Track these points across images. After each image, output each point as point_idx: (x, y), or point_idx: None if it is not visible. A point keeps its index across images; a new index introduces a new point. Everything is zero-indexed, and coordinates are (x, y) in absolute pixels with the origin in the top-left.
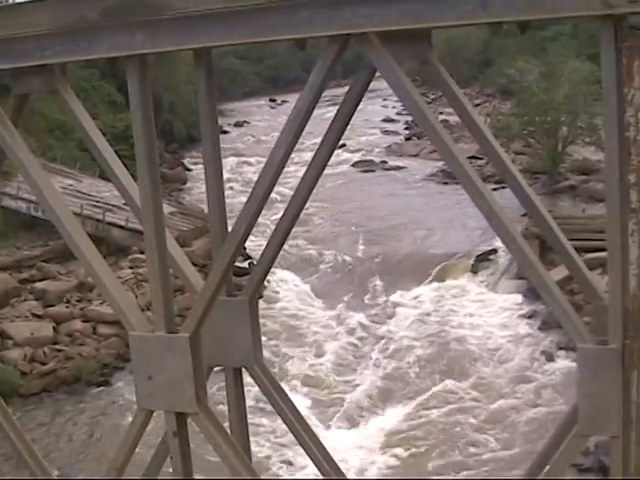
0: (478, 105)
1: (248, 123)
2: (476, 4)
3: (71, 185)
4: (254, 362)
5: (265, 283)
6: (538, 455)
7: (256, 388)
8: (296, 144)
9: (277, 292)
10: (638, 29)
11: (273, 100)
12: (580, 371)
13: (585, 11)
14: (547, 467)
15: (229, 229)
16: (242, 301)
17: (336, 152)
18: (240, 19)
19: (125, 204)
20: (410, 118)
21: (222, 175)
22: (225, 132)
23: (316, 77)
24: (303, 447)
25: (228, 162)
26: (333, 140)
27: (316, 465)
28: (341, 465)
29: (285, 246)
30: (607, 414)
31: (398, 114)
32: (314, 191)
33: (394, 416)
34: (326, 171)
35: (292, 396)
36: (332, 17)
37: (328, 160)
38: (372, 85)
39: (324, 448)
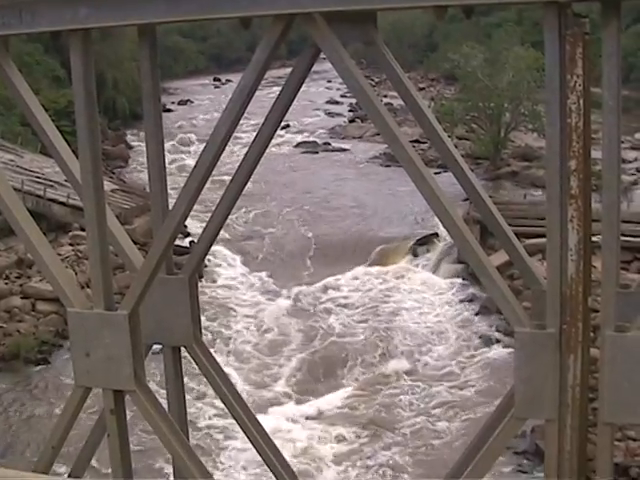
0: (422, 89)
1: (192, 102)
2: None
3: (12, 160)
4: (193, 341)
5: (206, 262)
6: (475, 437)
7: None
8: (239, 123)
9: (217, 272)
10: (581, 16)
11: (217, 79)
12: (517, 355)
13: None
14: (484, 449)
15: (170, 207)
16: (182, 280)
17: (280, 133)
18: None
19: (67, 180)
20: (354, 100)
21: (164, 153)
22: (169, 110)
23: (259, 56)
24: (241, 427)
25: (172, 141)
26: (275, 120)
27: (254, 445)
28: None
29: (227, 226)
30: (543, 398)
31: (342, 96)
32: (257, 172)
33: (330, 397)
34: (269, 151)
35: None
36: None
37: (270, 140)
38: (317, 67)
39: (262, 428)
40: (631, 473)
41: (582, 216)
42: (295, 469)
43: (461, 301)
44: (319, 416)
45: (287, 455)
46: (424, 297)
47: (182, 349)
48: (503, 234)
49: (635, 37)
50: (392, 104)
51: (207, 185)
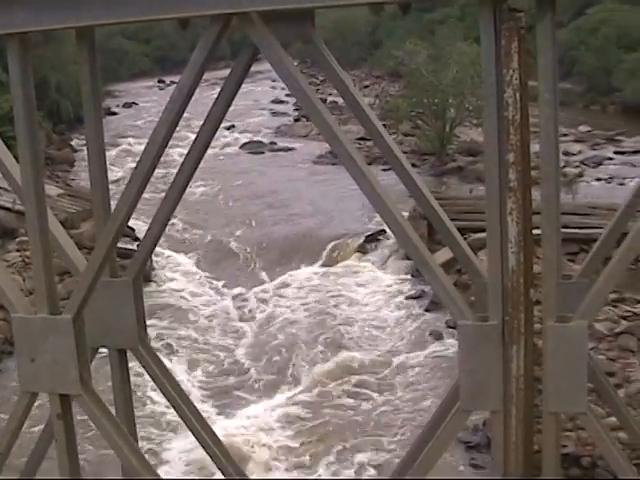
0: (367, 87)
1: (137, 104)
2: None
3: None
4: (139, 343)
5: (155, 265)
6: (423, 430)
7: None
8: (178, 123)
9: (167, 275)
10: (517, 11)
11: (162, 81)
12: (461, 348)
13: None
14: (431, 443)
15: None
16: (126, 282)
17: (225, 133)
18: None
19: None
20: None
21: (105, 156)
22: (113, 113)
23: (197, 57)
24: (189, 428)
25: (116, 143)
26: (215, 121)
27: (203, 446)
28: (228, 446)
29: (173, 228)
30: (488, 389)
31: (287, 95)
32: (203, 173)
33: (280, 394)
34: (214, 152)
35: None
36: None
37: (210, 141)
38: (261, 66)
39: (210, 429)
40: (582, 463)
41: (521, 209)
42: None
43: (410, 297)
44: (268, 416)
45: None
46: (373, 294)
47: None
48: (445, 229)
49: (577, 31)
50: (337, 102)
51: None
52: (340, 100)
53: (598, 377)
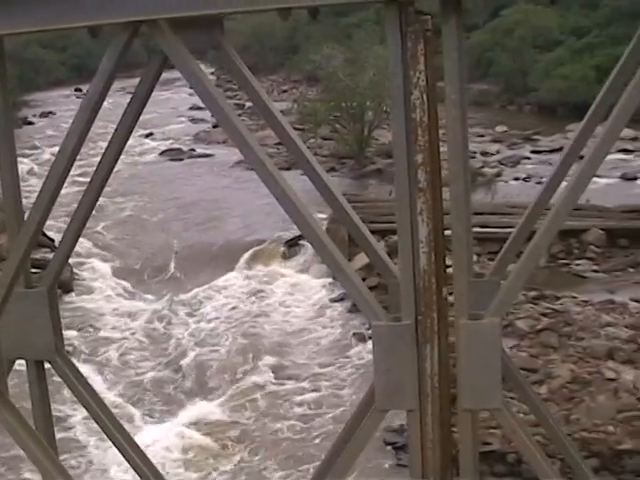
0: (285, 91)
1: (54, 114)
2: None
3: None
4: (56, 354)
5: (76, 275)
6: (341, 433)
7: None
8: (89, 132)
9: (87, 284)
10: (423, 13)
11: (79, 90)
12: (376, 348)
13: None
14: (348, 444)
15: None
16: (41, 292)
17: (143, 141)
18: (30, 6)
19: None
20: None
21: (16, 165)
22: (30, 123)
23: (106, 65)
24: (111, 439)
25: (34, 153)
26: (127, 129)
27: (125, 458)
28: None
29: (95, 237)
30: (403, 389)
31: None
32: (122, 181)
33: (207, 402)
34: (133, 160)
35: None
36: (122, 4)
37: (123, 149)
38: (179, 74)
39: (132, 440)
40: (508, 459)
41: (431, 209)
42: None
43: (333, 300)
44: (188, 426)
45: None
46: (296, 298)
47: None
48: (358, 231)
49: (492, 32)
50: None
51: None
52: None
53: (514, 374)
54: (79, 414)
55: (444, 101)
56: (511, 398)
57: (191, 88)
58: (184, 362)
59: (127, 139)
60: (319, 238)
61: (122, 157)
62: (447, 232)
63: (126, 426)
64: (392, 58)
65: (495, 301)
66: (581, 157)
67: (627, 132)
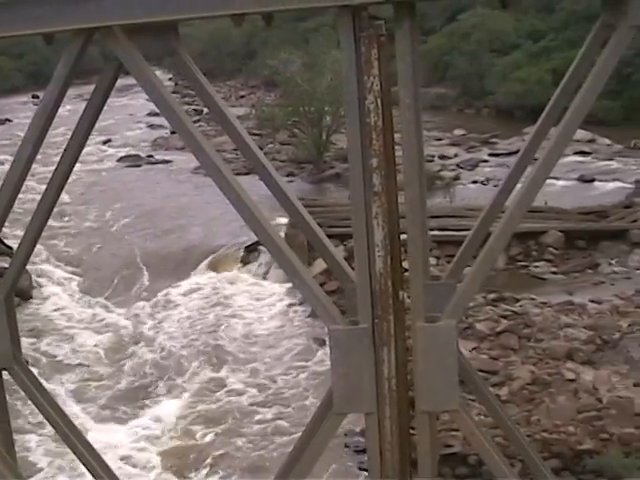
0: (243, 97)
1: (11, 121)
2: None
3: None
4: (14, 362)
5: (35, 283)
6: (300, 436)
7: None
8: (44, 140)
9: (48, 292)
10: (377, 18)
11: (36, 96)
12: (333, 352)
13: (325, 2)
14: (307, 448)
15: None
16: None
17: (101, 147)
18: None
19: None
20: None
21: None
22: None
23: (61, 72)
24: (69, 446)
25: None
26: (83, 135)
27: (83, 463)
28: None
29: (55, 246)
30: (361, 392)
31: None
32: (81, 188)
33: (166, 408)
34: (91, 167)
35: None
36: (76, 11)
37: (79, 155)
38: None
39: (90, 446)
40: (469, 461)
41: (387, 212)
42: None
43: (293, 304)
44: (149, 431)
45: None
46: (256, 303)
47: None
48: (315, 235)
49: (450, 36)
50: None
51: None
52: None
53: (471, 375)
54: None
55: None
56: (472, 400)
57: (146, 94)
58: (143, 369)
59: (83, 146)
60: (275, 243)
61: (80, 164)
62: (404, 236)
63: (83, 433)
64: (346, 63)
65: (451, 304)
66: (535, 159)
67: (584, 134)
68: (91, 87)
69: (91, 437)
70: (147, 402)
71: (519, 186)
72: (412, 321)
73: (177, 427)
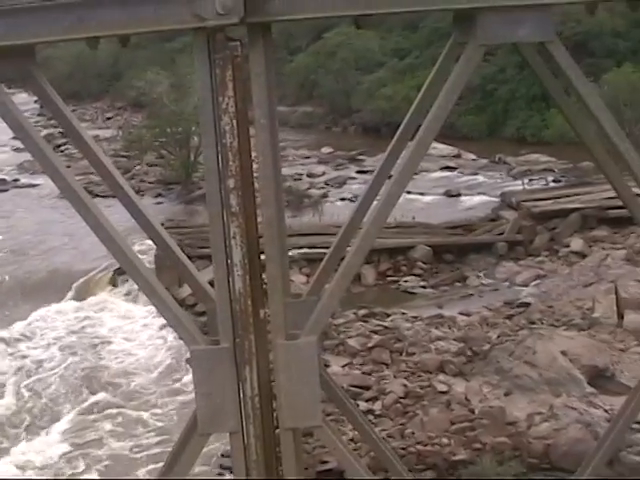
0: (109, 118)
1: None
2: (73, 20)
3: None
4: None
5: None
6: (167, 457)
7: None
8: None
9: None
10: (233, 40)
11: None
12: (195, 373)
13: (179, 24)
14: (172, 471)
15: None
16: None
17: None
18: None
19: None
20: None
21: None
22: None
23: None
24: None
25: None
26: None
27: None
28: None
29: None
30: (225, 411)
31: None
32: None
33: (36, 441)
34: None
35: None
36: None
37: None
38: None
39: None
40: (346, 477)
41: (245, 232)
42: None
43: (164, 326)
44: (24, 463)
45: None
46: (127, 327)
47: None
48: (175, 257)
49: (316, 55)
50: (99, 135)
51: None
52: (100, 133)
53: (335, 391)
54: None
55: None
56: (342, 416)
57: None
58: (9, 400)
59: None
60: (134, 266)
61: None
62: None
63: None
64: (201, 85)
65: (311, 320)
66: (391, 176)
67: (450, 150)
68: None
69: None
70: (17, 433)
71: (375, 203)
72: (272, 339)
73: (46, 456)
